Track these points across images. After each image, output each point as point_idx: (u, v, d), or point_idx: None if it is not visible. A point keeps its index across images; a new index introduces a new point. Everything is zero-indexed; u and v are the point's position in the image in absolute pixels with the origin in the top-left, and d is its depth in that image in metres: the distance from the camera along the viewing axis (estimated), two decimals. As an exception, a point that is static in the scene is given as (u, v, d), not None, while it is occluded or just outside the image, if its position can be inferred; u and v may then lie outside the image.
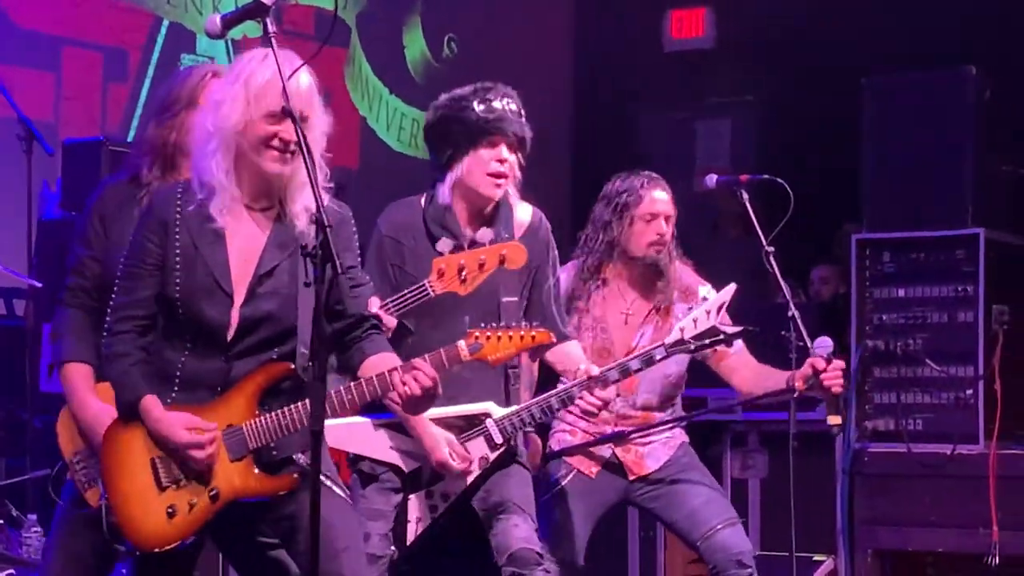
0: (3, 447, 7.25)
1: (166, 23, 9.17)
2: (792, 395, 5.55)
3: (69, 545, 4.58)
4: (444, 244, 5.13)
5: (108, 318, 4.31)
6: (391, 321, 4.97)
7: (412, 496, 5.19)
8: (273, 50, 4.11)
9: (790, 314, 5.53)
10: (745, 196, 5.84)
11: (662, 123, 11.17)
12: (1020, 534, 6.28)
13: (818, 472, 6.73)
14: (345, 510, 4.38)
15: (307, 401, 4.18)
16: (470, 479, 5.15)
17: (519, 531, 5.11)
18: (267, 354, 4.27)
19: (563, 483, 5.73)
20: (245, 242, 4.28)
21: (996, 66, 6.90)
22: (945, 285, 6.53)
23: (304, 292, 4.23)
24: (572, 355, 5.32)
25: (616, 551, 7.07)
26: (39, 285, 6.78)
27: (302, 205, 4.25)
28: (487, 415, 5.16)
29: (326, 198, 4.16)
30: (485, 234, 5.12)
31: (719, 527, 5.61)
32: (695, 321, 5.31)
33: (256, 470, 4.26)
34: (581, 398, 5.15)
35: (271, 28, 4.14)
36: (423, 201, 5.25)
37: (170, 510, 4.24)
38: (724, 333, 5.33)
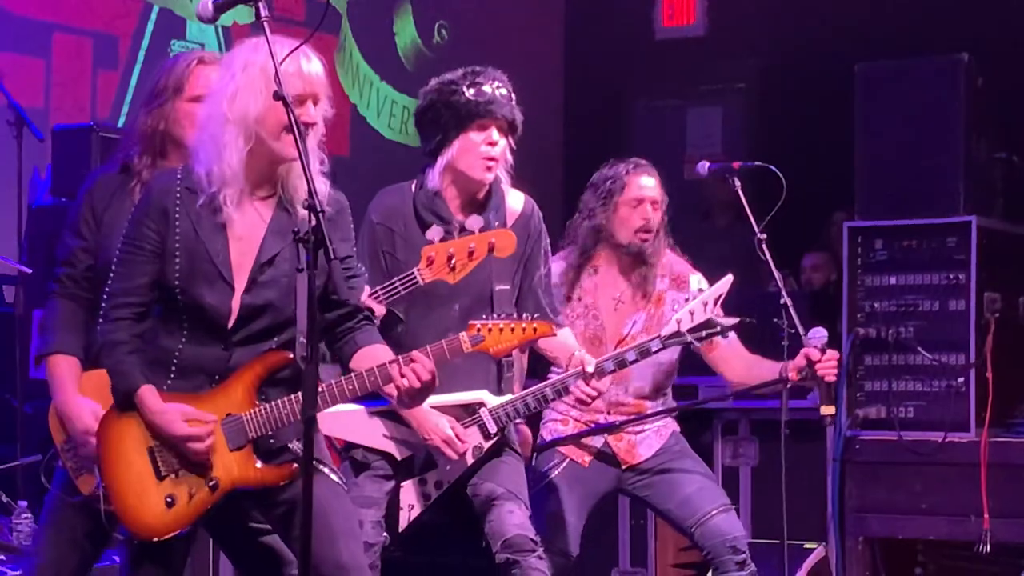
0: (-8, 434, 7.24)
1: (156, 9, 9.13)
2: (785, 386, 5.55)
3: (59, 531, 4.58)
4: (434, 232, 5.12)
5: (103, 304, 4.30)
6: (380, 309, 4.97)
7: (404, 483, 5.20)
8: (267, 35, 4.10)
9: (782, 302, 5.53)
10: (737, 183, 5.84)
11: (653, 110, 11.15)
12: (1011, 522, 6.29)
13: (809, 460, 6.74)
14: (341, 495, 4.38)
15: None
16: (463, 467, 5.14)
17: (513, 517, 5.11)
18: (267, 343, 4.27)
19: (555, 473, 5.73)
20: (246, 230, 4.27)
21: (988, 53, 6.90)
22: (937, 273, 6.52)
23: (301, 279, 4.22)
24: (565, 343, 5.32)
25: (606, 540, 7.06)
26: (29, 271, 6.77)
27: (303, 194, 4.24)
28: (481, 404, 5.16)
29: (325, 186, 4.17)
30: (475, 221, 5.11)
31: (713, 513, 5.62)
32: (691, 313, 5.31)
33: (256, 459, 4.26)
34: (576, 387, 5.15)
35: (263, 12, 4.13)
36: (413, 187, 5.25)
37: (169, 499, 4.23)
38: (720, 325, 5.33)
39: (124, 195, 4.50)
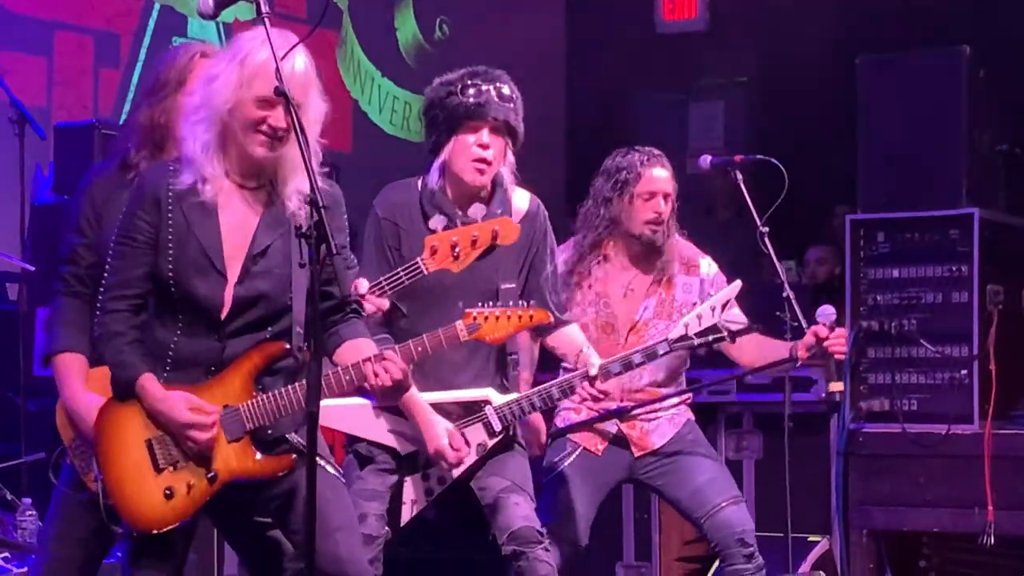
0: (-3, 431, 7.25)
1: (157, 6, 9.15)
2: (795, 364, 5.55)
3: (66, 527, 4.59)
4: (437, 221, 5.13)
5: (100, 297, 4.31)
6: (383, 303, 4.97)
7: (408, 478, 5.20)
8: (267, 30, 4.10)
9: (785, 295, 5.53)
10: (739, 177, 5.83)
11: (655, 105, 11.15)
12: (1015, 514, 6.28)
13: (813, 453, 6.74)
14: (339, 489, 4.39)
15: (303, 382, 4.18)
16: (467, 464, 5.14)
17: (520, 509, 5.11)
18: (261, 333, 4.27)
19: (568, 461, 5.73)
20: (237, 221, 4.27)
21: (990, 45, 6.89)
22: (940, 265, 6.51)
23: (298, 272, 4.22)
24: (573, 339, 5.32)
25: (611, 534, 7.06)
26: (32, 269, 6.78)
27: (294, 187, 4.25)
28: (487, 402, 5.16)
29: (319, 180, 4.16)
30: (478, 210, 5.12)
31: (723, 505, 5.62)
32: (699, 317, 5.32)
33: (254, 451, 4.26)
34: (583, 388, 5.15)
35: (264, 9, 4.12)
36: (419, 183, 5.25)
37: (168, 492, 4.23)
38: (728, 330, 5.34)
39: (123, 190, 4.49)
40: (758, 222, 5.72)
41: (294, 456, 4.26)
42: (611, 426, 5.76)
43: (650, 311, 5.75)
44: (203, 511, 4.33)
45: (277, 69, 4.05)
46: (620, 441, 5.76)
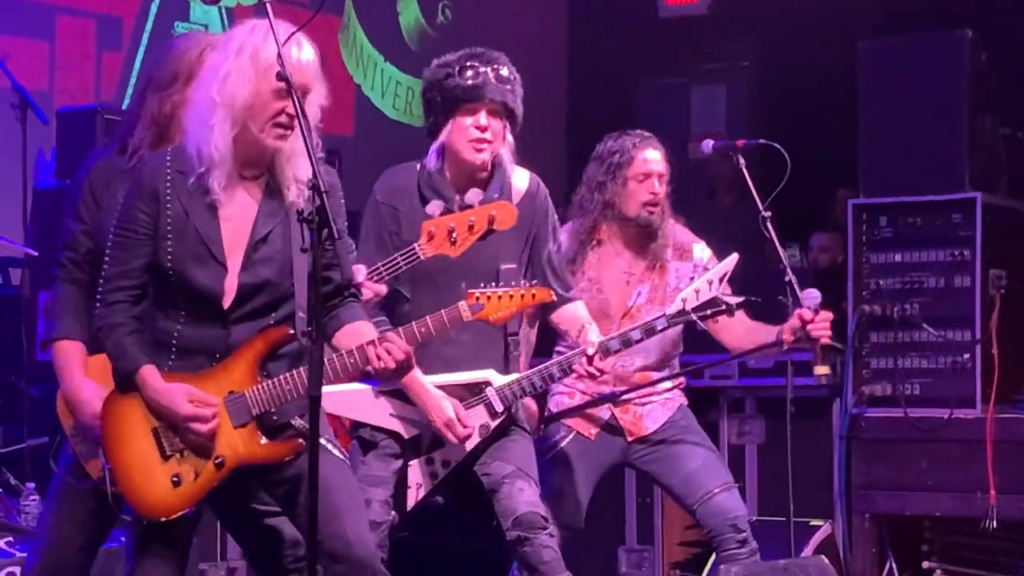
0: (0, 416, 7.25)
1: (159, -9, 9.14)
2: (781, 347, 5.55)
3: (64, 514, 4.59)
4: (434, 207, 5.13)
5: (100, 288, 4.30)
6: (381, 288, 4.97)
7: (412, 462, 5.20)
8: (270, 20, 4.09)
9: (787, 279, 5.53)
10: (741, 161, 5.82)
11: (657, 89, 11.14)
12: (1017, 498, 6.29)
13: (815, 437, 6.74)
14: (344, 471, 4.39)
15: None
16: (470, 446, 5.15)
17: (524, 495, 5.12)
18: (265, 319, 4.28)
19: (562, 445, 5.73)
20: (237, 210, 4.27)
21: (992, 29, 6.88)
22: (942, 249, 6.53)
23: (300, 257, 4.23)
24: (577, 316, 5.33)
25: (613, 518, 7.07)
26: (35, 254, 6.77)
27: (291, 173, 4.26)
28: (488, 383, 5.16)
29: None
30: (475, 195, 5.12)
31: (716, 491, 5.62)
32: (697, 292, 5.32)
33: (260, 436, 4.27)
34: (580, 365, 5.15)
35: (267, -6, 4.12)
36: (418, 167, 5.25)
37: (175, 479, 4.24)
38: (726, 304, 5.33)
39: (122, 175, 4.49)
40: (760, 207, 5.71)
41: (301, 440, 4.26)
42: (604, 412, 5.75)
43: (643, 296, 5.75)
44: (208, 498, 4.34)
45: (279, 56, 4.06)
46: (613, 428, 5.76)
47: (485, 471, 5.19)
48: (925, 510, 6.57)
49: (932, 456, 6.47)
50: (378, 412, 5.17)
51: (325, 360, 4.26)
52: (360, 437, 5.20)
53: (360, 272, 4.81)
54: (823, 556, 5.82)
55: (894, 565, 6.62)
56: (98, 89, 8.82)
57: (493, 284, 4.49)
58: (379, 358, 4.30)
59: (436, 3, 10.95)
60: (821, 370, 5.45)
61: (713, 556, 6.00)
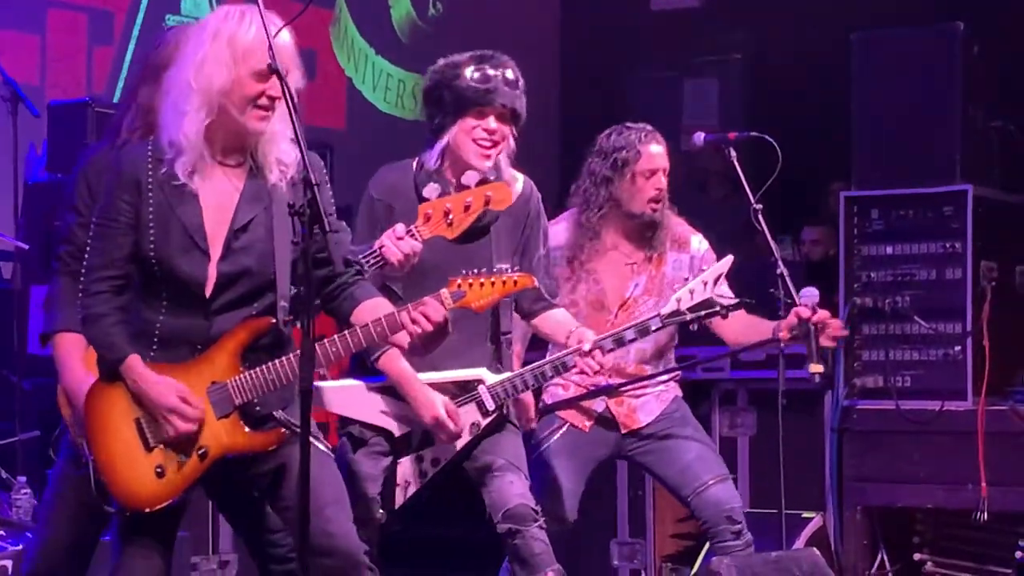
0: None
1: (151, -16, 9.14)
2: (777, 344, 5.56)
3: (65, 505, 4.60)
4: (431, 189, 5.12)
5: (83, 279, 4.30)
6: (417, 246, 4.96)
7: (401, 460, 5.19)
8: (259, 6, 4.10)
9: (779, 272, 5.53)
10: (733, 154, 5.82)
11: (650, 82, 11.12)
12: (1008, 490, 6.30)
13: (807, 430, 6.75)
14: (328, 465, 4.39)
15: (289, 356, 4.20)
16: (460, 444, 5.14)
17: (514, 488, 5.11)
18: (248, 309, 4.27)
19: (555, 438, 5.73)
20: (218, 198, 4.27)
21: (984, 22, 6.89)
22: (933, 242, 6.53)
23: (281, 245, 4.23)
24: (562, 321, 5.31)
25: (605, 511, 7.08)
26: (26, 247, 6.77)
27: (274, 157, 4.26)
28: (480, 381, 5.15)
29: (296, 153, 4.17)
30: (471, 177, 5.10)
31: (710, 483, 5.62)
32: (692, 292, 5.31)
33: (243, 426, 4.26)
34: (580, 361, 5.14)
35: (256, -15, 4.13)
36: (415, 164, 5.24)
37: (159, 469, 4.23)
38: (720, 305, 5.33)
39: (117, 169, 4.49)
40: (752, 199, 5.71)
41: (283, 430, 4.26)
42: (598, 405, 5.75)
43: (640, 288, 5.75)
44: (199, 488, 4.34)
45: (269, 42, 4.08)
46: (607, 421, 5.76)
47: (475, 465, 5.18)
48: (916, 502, 6.58)
49: (923, 448, 6.48)
50: (368, 409, 5.16)
51: (346, 333, 4.28)
52: (350, 434, 5.19)
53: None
54: (815, 548, 5.83)
55: (886, 557, 6.63)
56: (89, 82, 8.81)
57: (475, 271, 4.47)
58: (415, 321, 4.30)
59: (428, -4, 10.94)
60: (816, 367, 5.45)
61: (705, 548, 6.01)
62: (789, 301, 5.50)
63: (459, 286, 4.43)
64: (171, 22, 9.01)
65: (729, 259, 5.42)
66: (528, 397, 5.54)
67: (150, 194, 4.24)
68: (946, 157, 6.56)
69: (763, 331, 5.61)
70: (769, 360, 6.70)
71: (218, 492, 4.63)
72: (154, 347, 4.26)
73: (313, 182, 3.97)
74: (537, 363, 5.24)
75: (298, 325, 4.16)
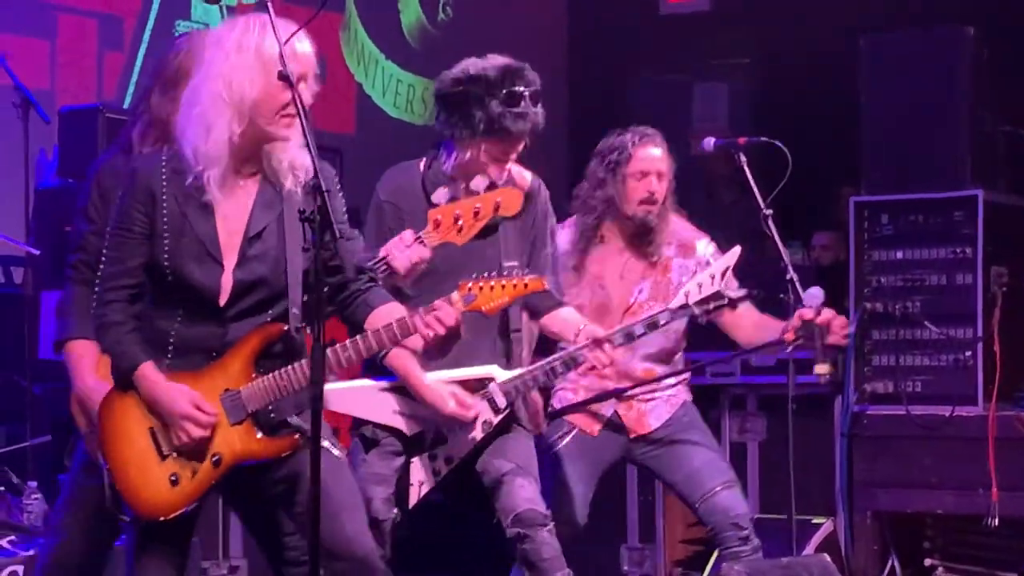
0: (2, 415, 7.26)
1: (160, -11, 9.15)
2: (784, 346, 5.55)
3: (79, 512, 4.62)
4: (440, 194, 5.12)
5: (97, 288, 4.31)
6: (426, 252, 4.97)
7: (414, 460, 5.20)
8: (270, 15, 4.11)
9: (788, 277, 5.52)
10: (743, 159, 5.82)
11: (659, 86, 11.13)
12: (1019, 495, 6.29)
13: (817, 435, 6.74)
14: (342, 469, 4.40)
15: (302, 362, 4.20)
16: (473, 439, 5.14)
17: (524, 492, 5.12)
18: (262, 316, 4.28)
19: (564, 442, 5.73)
20: (232, 207, 4.28)
21: (993, 26, 6.88)
22: (944, 247, 6.52)
23: (293, 253, 4.24)
24: (571, 319, 5.32)
25: (615, 516, 7.08)
26: (37, 253, 6.77)
27: (288, 163, 4.26)
28: (491, 379, 5.16)
29: (308, 159, 4.18)
30: (480, 182, 5.10)
31: (718, 489, 5.62)
32: (700, 286, 5.32)
33: (257, 433, 4.27)
34: (593, 355, 5.14)
35: (268, -8, 4.14)
36: (422, 165, 5.24)
37: (173, 478, 4.24)
38: (728, 298, 5.33)
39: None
40: (761, 204, 5.71)
41: (297, 436, 4.27)
42: (607, 409, 5.76)
43: (645, 293, 5.75)
44: (215, 493, 4.34)
45: (281, 51, 4.09)
46: (615, 425, 5.76)
47: (485, 468, 5.19)
48: (927, 507, 6.57)
49: (934, 453, 6.47)
50: (380, 409, 5.17)
51: (357, 338, 4.31)
52: (362, 435, 5.20)
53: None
54: (825, 554, 5.82)
55: (896, 562, 6.62)
56: (100, 88, 8.82)
57: (486, 274, 4.48)
58: (428, 325, 4.32)
59: (437, 1, 10.95)
60: (821, 368, 5.44)
61: (715, 554, 6.01)
62: (799, 306, 5.50)
63: (470, 289, 4.43)
64: (181, 27, 9.02)
65: (736, 251, 5.41)
66: (537, 399, 5.54)
67: (164, 204, 4.25)
68: (956, 161, 6.55)
69: (774, 331, 5.61)
70: (779, 365, 6.70)
71: (233, 498, 4.64)
72: (169, 355, 4.27)
73: (324, 189, 3.97)
74: (547, 359, 5.25)
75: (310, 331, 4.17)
